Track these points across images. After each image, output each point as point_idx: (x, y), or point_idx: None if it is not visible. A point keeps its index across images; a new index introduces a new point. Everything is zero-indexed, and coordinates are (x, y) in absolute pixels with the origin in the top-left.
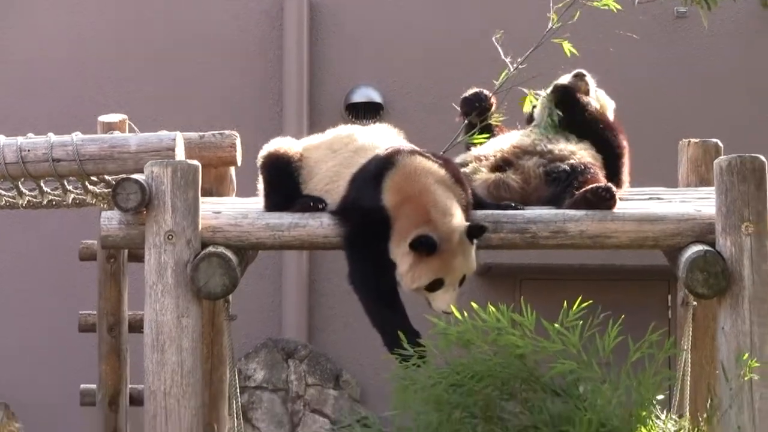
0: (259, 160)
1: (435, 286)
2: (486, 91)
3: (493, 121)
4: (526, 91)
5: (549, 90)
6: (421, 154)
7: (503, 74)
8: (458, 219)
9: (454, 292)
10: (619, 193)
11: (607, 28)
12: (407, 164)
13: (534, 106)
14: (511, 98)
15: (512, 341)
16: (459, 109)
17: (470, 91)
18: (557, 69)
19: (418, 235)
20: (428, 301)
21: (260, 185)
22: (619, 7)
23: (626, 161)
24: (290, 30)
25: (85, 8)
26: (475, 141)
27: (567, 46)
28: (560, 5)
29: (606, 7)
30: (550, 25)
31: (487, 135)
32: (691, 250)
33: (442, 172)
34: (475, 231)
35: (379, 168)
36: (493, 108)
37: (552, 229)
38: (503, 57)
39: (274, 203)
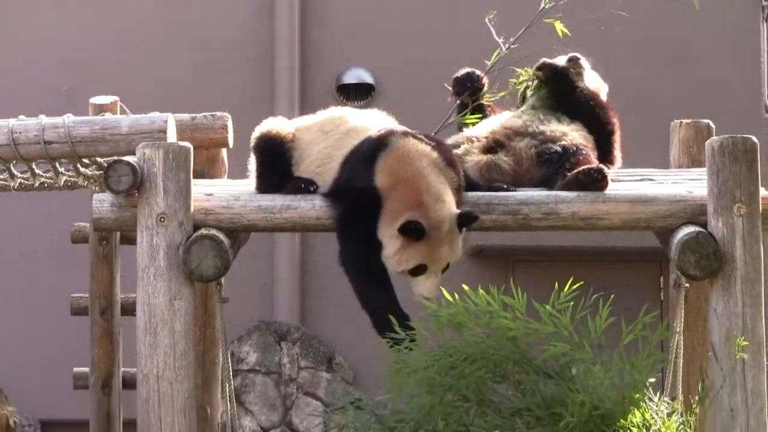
0: (252, 141)
1: (418, 271)
2: (478, 71)
3: (485, 101)
4: (518, 70)
5: (534, 67)
6: (413, 136)
7: (495, 54)
8: (449, 206)
9: (437, 278)
10: (612, 169)
11: (600, 8)
12: (400, 146)
13: (527, 86)
14: (503, 78)
15: (504, 324)
16: (451, 89)
17: (462, 71)
18: (550, 49)
19: (408, 220)
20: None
21: (252, 166)
22: None
23: (618, 138)
24: (281, 10)
25: None
26: (467, 121)
27: (559, 26)
28: None
29: None
30: (542, 5)
31: (479, 115)
32: (683, 232)
33: (435, 154)
34: (465, 220)
35: (372, 149)
36: (485, 88)
37: (544, 211)
38: (496, 37)
39: (266, 184)
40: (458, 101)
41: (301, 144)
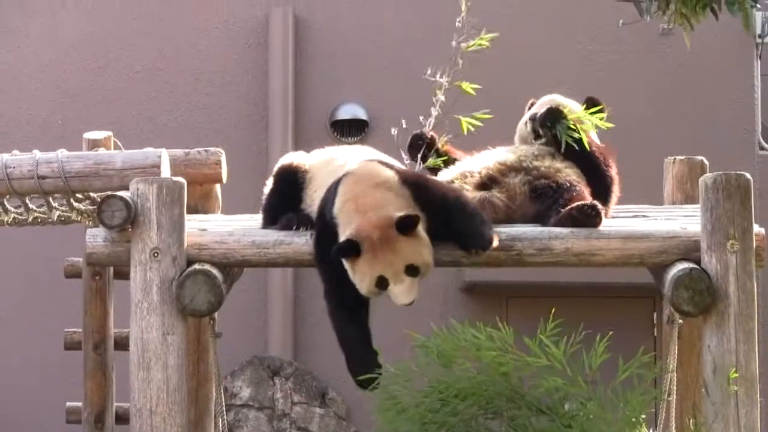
0: (274, 170)
1: (383, 284)
2: (422, 130)
3: (441, 146)
4: (461, 118)
5: (542, 113)
6: (382, 162)
7: (431, 118)
8: (380, 214)
9: (404, 284)
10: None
11: (590, 44)
12: (352, 173)
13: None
14: (450, 122)
15: (493, 357)
16: (408, 156)
17: (408, 139)
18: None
19: (341, 241)
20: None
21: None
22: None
23: (616, 191)
24: (275, 47)
25: (71, 26)
26: (434, 165)
27: (466, 87)
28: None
29: (480, 47)
30: (454, 43)
31: (444, 158)
32: (677, 268)
33: (388, 175)
34: (402, 223)
35: (337, 181)
36: (437, 138)
37: (537, 247)
38: (433, 100)
39: (272, 204)
40: (420, 157)
41: (312, 171)
